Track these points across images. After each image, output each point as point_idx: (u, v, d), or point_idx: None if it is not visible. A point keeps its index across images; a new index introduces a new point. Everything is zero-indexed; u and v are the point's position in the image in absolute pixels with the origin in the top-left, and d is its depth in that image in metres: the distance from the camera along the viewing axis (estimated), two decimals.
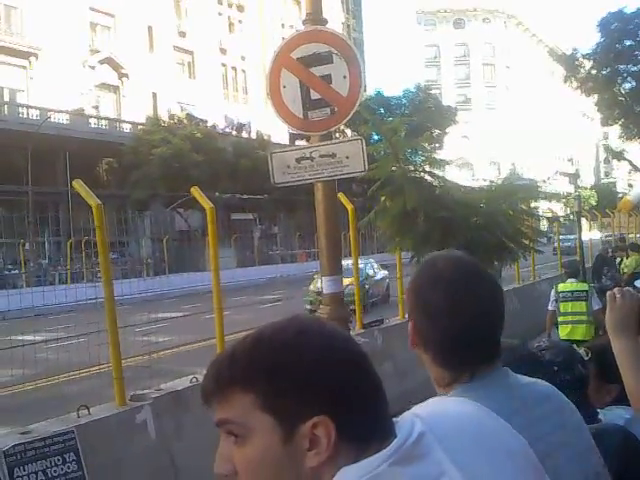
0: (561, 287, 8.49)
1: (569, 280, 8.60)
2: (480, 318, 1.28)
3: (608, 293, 1.77)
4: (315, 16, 4.74)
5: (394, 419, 0.94)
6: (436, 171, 6.64)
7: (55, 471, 4.45)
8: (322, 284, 4.73)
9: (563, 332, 8.22)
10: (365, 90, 55.63)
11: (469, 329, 1.26)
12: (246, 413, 0.88)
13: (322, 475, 0.87)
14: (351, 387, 0.89)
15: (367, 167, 4.56)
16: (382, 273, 20.59)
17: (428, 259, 1.39)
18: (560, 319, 8.32)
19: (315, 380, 0.87)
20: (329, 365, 0.88)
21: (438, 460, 0.88)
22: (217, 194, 28.24)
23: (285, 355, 0.88)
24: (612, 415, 1.95)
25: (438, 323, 1.27)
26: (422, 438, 0.89)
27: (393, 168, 5.57)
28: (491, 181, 6.22)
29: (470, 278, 1.30)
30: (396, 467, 0.86)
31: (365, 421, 0.89)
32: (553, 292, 8.59)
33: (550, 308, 8.61)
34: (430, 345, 1.29)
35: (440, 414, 0.97)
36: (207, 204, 6.25)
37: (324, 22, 4.77)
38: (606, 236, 24.58)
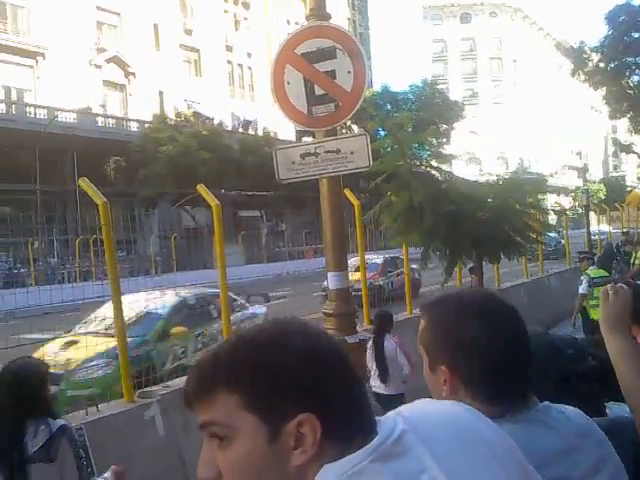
0: (593, 273, 9.06)
1: (594, 267, 9.34)
2: (516, 347, 1.25)
3: (601, 290, 1.76)
4: (318, 12, 4.72)
5: (378, 418, 0.94)
6: (443, 166, 6.63)
7: None
8: (327, 280, 4.73)
9: (597, 314, 8.56)
10: (371, 85, 55.50)
11: (507, 359, 1.23)
12: (230, 414, 0.88)
13: (307, 473, 0.87)
14: (334, 385, 0.89)
15: (372, 162, 4.55)
16: (249, 311, 11.10)
17: (447, 297, 1.34)
18: (594, 302, 8.71)
19: (299, 379, 0.87)
20: (312, 364, 0.88)
21: (419, 457, 0.87)
22: (222, 191, 28.25)
23: (268, 355, 0.88)
24: (617, 409, 1.94)
25: (478, 356, 1.22)
26: (404, 436, 0.89)
27: (399, 163, 5.56)
28: (497, 175, 6.20)
29: (501, 308, 1.29)
30: (377, 464, 0.86)
31: (348, 419, 0.89)
32: (586, 278, 9.10)
33: (583, 292, 9.10)
34: (471, 382, 1.23)
35: (425, 414, 0.96)
36: (213, 201, 6.25)
37: (327, 17, 4.76)
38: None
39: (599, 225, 25.96)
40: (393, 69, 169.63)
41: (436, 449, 0.88)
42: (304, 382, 0.87)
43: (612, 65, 36.10)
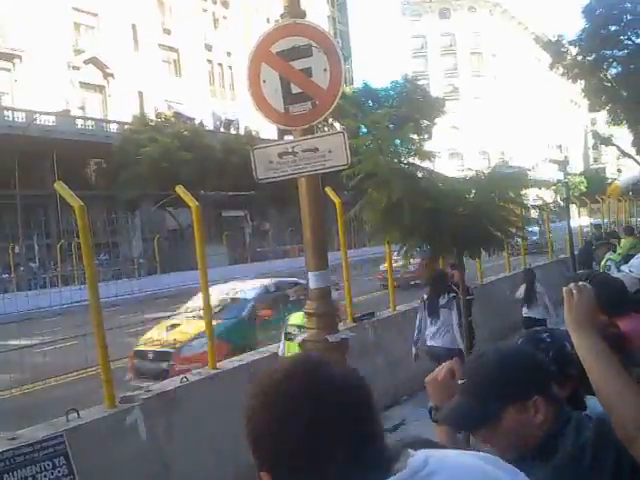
0: (615, 257, 9.40)
1: (611, 253, 9.86)
2: None
3: (564, 289, 1.73)
4: (293, 9, 4.68)
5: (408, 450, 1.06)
6: (424, 162, 6.63)
7: (45, 476, 4.41)
8: (308, 279, 4.71)
9: None
10: (352, 82, 55.52)
11: None
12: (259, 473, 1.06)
13: None
14: (294, 451, 0.98)
15: (350, 160, 4.52)
16: None
17: None
18: None
19: (261, 440, 1.01)
20: (275, 430, 1.00)
21: None
22: (202, 192, 28.07)
23: (247, 416, 1.04)
24: (594, 403, 1.92)
25: None
26: (432, 476, 0.99)
27: (377, 160, 5.54)
28: (477, 170, 6.21)
29: None
30: None
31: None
32: (613, 263, 9.03)
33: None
34: None
35: (450, 461, 1.06)
36: (192, 202, 6.21)
37: (302, 15, 4.71)
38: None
39: (580, 217, 26.15)
40: (374, 66, 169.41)
41: None
42: (264, 444, 1.01)
43: (590, 58, 36.31)
